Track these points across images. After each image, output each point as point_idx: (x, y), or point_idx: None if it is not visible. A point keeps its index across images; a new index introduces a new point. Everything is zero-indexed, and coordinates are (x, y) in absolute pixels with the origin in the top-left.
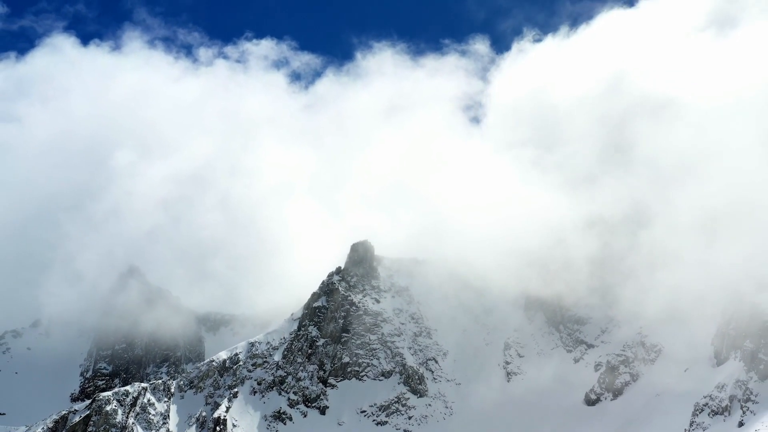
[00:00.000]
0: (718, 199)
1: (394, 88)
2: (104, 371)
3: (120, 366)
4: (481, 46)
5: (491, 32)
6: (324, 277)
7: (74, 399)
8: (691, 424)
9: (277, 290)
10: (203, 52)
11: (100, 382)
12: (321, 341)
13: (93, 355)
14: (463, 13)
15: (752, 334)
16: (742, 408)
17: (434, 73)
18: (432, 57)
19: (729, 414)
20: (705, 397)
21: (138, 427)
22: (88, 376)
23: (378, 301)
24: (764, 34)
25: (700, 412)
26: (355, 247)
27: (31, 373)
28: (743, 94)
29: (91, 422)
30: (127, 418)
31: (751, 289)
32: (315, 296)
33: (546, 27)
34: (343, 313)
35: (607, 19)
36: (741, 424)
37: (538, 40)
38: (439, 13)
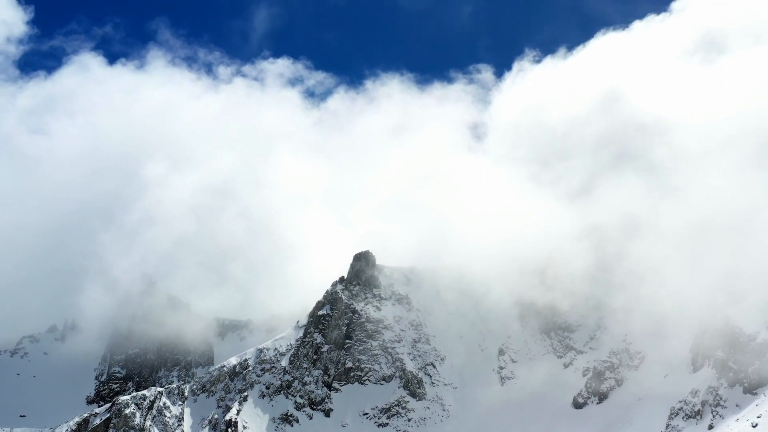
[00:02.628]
0: (701, 215)
1: (401, 111)
2: (118, 375)
3: (133, 370)
4: (486, 74)
5: (495, 59)
6: (330, 285)
7: (90, 402)
8: (666, 427)
9: (289, 296)
10: (223, 70)
11: (115, 386)
12: (325, 347)
13: (107, 360)
14: (469, 47)
15: (723, 344)
16: (712, 412)
17: (441, 100)
18: (438, 85)
19: (701, 418)
20: (680, 402)
21: (155, 429)
22: (102, 379)
23: (379, 309)
24: (747, 61)
25: (675, 416)
26: (357, 258)
27: (48, 376)
28: (727, 116)
29: (112, 424)
30: (144, 420)
31: (724, 303)
32: (319, 305)
33: (546, 48)
34: (346, 321)
35: (603, 42)
36: (710, 427)
37: (538, 61)
38: (447, 48)
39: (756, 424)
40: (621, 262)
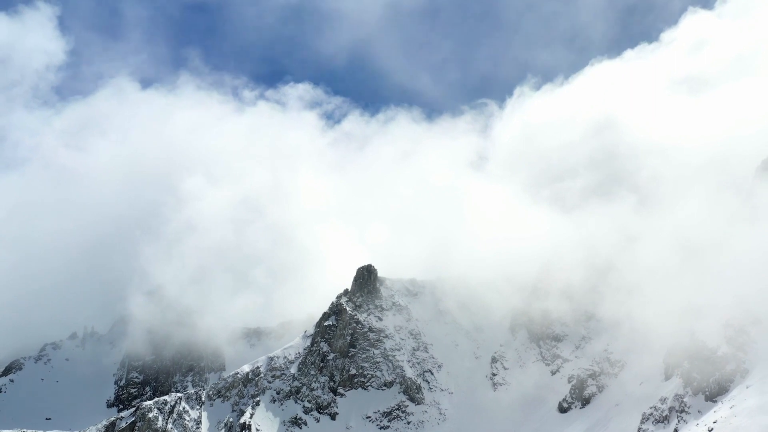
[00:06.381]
0: (680, 235)
1: (411, 140)
2: (136, 380)
3: (150, 375)
4: (492, 107)
5: (499, 86)
6: (335, 297)
7: (110, 405)
8: (638, 430)
9: (301, 304)
10: (247, 94)
11: (133, 390)
12: (331, 355)
13: (125, 366)
14: (475, 85)
15: (689, 356)
16: (677, 417)
17: (449, 131)
18: (448, 117)
19: (668, 422)
20: (651, 408)
21: (176, 431)
22: (121, 384)
23: (381, 319)
24: (730, 92)
25: (646, 420)
26: (360, 271)
27: (70, 381)
28: (711, 143)
29: (137, 427)
30: (166, 423)
31: (693, 318)
32: (325, 316)
33: (546, 75)
34: (350, 331)
35: (596, 69)
36: (675, 431)
37: (537, 88)
38: (454, 87)
39: (712, 429)
40: (608, 278)
